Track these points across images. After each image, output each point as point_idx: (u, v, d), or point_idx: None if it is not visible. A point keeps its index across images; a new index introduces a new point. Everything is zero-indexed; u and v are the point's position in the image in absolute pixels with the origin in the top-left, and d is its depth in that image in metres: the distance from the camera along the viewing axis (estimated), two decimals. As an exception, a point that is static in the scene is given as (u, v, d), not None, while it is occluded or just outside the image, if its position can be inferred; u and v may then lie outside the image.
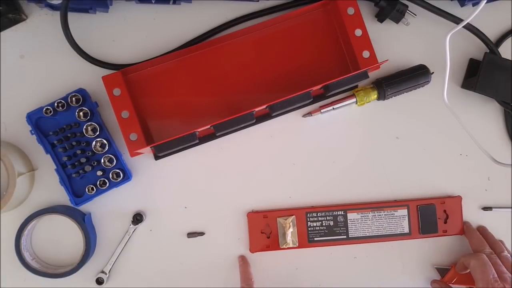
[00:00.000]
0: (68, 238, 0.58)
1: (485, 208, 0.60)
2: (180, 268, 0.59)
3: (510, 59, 0.58)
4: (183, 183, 0.59)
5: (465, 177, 0.61)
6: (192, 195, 0.59)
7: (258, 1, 0.58)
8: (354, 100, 0.58)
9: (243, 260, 0.58)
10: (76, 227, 0.56)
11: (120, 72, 0.55)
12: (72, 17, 0.56)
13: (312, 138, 0.60)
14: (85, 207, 0.58)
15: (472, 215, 0.61)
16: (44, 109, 0.55)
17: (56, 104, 0.55)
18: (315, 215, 0.59)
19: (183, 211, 0.59)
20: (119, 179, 0.56)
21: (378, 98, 0.59)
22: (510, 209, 0.60)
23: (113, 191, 0.57)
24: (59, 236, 0.58)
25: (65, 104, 0.55)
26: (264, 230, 0.58)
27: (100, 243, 0.58)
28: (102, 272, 0.58)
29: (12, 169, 0.54)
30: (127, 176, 0.56)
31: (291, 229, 0.58)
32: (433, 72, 0.58)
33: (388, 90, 0.57)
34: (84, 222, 0.56)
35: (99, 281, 0.58)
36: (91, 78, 0.57)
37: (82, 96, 0.55)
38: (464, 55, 0.60)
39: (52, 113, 0.55)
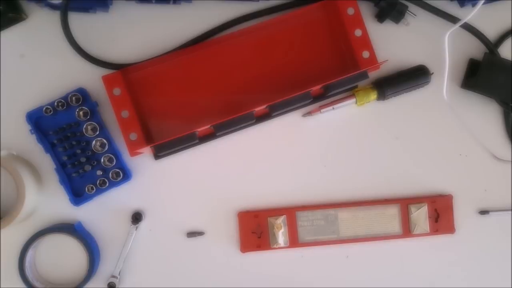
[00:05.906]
0: (70, 255, 0.58)
1: (483, 212, 0.60)
2: (179, 267, 0.59)
3: (509, 59, 0.58)
4: (183, 182, 0.59)
5: (465, 177, 0.60)
6: (192, 195, 0.59)
7: (258, 1, 0.58)
8: (354, 100, 0.58)
9: None
10: (78, 244, 0.56)
11: (120, 72, 0.55)
12: (72, 16, 0.56)
13: (312, 138, 0.60)
14: (74, 215, 0.58)
15: (470, 215, 0.60)
16: (44, 109, 0.55)
17: (56, 104, 0.55)
18: (306, 214, 0.58)
19: (183, 211, 0.59)
20: (119, 179, 0.56)
21: (378, 98, 0.59)
22: (509, 212, 0.60)
23: (113, 191, 0.57)
24: (60, 255, 0.58)
25: (65, 103, 0.55)
26: (254, 230, 0.58)
27: (102, 244, 0.58)
28: (113, 276, 0.57)
29: (22, 185, 0.53)
30: (127, 176, 0.56)
31: (282, 229, 0.58)
32: (432, 73, 0.58)
33: (388, 90, 0.57)
34: (77, 231, 0.55)
35: (111, 286, 0.57)
36: (91, 78, 0.57)
37: (82, 96, 0.56)
38: (464, 55, 0.60)
39: (52, 112, 0.55)
